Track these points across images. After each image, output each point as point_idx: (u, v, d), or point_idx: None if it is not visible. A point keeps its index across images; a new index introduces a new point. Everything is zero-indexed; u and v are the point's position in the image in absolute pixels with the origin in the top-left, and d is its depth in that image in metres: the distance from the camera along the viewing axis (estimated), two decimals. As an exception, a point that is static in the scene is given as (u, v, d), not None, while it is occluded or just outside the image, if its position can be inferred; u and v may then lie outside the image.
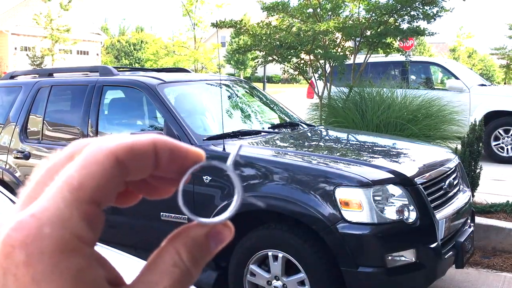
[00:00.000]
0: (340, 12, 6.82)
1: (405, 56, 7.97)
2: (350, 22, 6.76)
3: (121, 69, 5.52)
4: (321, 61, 6.89)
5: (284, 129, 4.54)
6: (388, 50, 6.99)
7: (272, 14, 6.82)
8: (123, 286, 0.30)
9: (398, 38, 7.02)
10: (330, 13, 6.79)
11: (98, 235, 0.28)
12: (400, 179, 3.18)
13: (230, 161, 0.33)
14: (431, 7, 6.41)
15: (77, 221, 0.27)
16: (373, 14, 6.52)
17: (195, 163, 0.32)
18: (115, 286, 0.29)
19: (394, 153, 4.01)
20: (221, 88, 4.74)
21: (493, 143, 8.49)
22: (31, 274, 0.25)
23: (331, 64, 6.80)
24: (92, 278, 0.27)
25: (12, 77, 5.34)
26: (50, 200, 0.27)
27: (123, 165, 0.28)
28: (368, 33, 6.72)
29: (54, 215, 0.26)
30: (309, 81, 7.68)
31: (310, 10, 6.81)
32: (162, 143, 0.30)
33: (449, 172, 3.67)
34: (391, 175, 3.18)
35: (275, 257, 3.22)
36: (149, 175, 0.31)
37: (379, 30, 6.60)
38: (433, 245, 3.16)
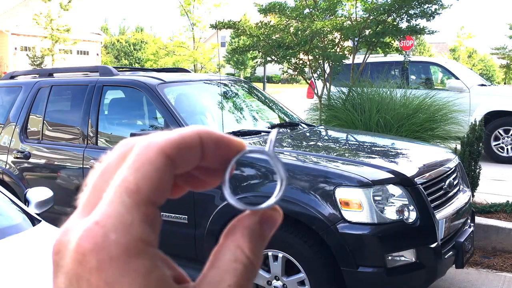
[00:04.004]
0: (336, 11, 6.81)
1: (404, 56, 7.97)
2: (349, 22, 6.76)
3: (121, 69, 5.52)
4: (320, 61, 6.89)
5: (284, 129, 4.54)
6: (387, 49, 6.99)
7: (272, 12, 6.83)
8: (188, 283, 0.31)
9: (397, 38, 7.02)
10: (327, 12, 6.78)
11: (158, 234, 0.29)
12: (400, 179, 3.18)
13: (268, 147, 0.34)
14: (430, 5, 6.41)
15: (138, 224, 0.28)
16: (371, 14, 6.52)
17: (238, 152, 0.33)
18: (179, 283, 0.30)
19: (394, 153, 4.01)
20: (221, 88, 4.75)
21: (493, 143, 8.49)
22: (103, 278, 0.27)
23: (330, 64, 6.80)
24: (159, 277, 0.28)
25: (12, 77, 5.34)
26: (111, 206, 0.28)
27: (172, 160, 0.29)
28: (367, 32, 6.72)
29: (117, 221, 0.27)
30: (309, 82, 7.68)
31: (307, 10, 6.81)
32: (207, 134, 0.31)
33: (449, 172, 3.67)
34: (391, 175, 3.18)
35: (275, 257, 3.23)
36: (194, 167, 0.32)
37: (377, 29, 6.60)
38: (433, 245, 3.16)
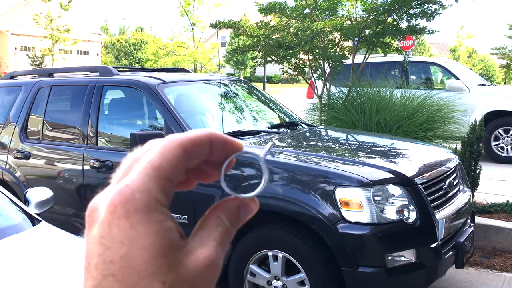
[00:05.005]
0: (336, 11, 6.81)
1: (404, 56, 7.97)
2: (349, 22, 6.76)
3: (121, 69, 5.52)
4: (320, 61, 6.89)
5: (283, 129, 4.54)
6: (387, 49, 6.98)
7: (271, 13, 6.82)
8: (186, 239, 0.39)
9: (397, 38, 7.02)
10: (327, 12, 6.78)
11: (170, 201, 0.39)
12: (400, 179, 3.18)
13: (263, 154, 0.44)
14: (430, 5, 6.41)
15: (157, 191, 0.37)
16: (371, 14, 6.52)
17: (238, 151, 0.43)
18: (181, 237, 0.39)
19: (394, 153, 4.01)
20: (221, 88, 4.75)
21: (493, 143, 8.48)
22: (130, 223, 0.36)
23: (330, 64, 6.79)
24: (170, 226, 0.38)
25: (12, 77, 5.34)
26: (139, 175, 0.37)
27: (187, 152, 0.39)
28: (367, 32, 6.72)
29: (142, 186, 0.37)
30: (309, 82, 7.68)
31: (307, 10, 6.81)
32: (215, 136, 0.41)
33: (449, 172, 3.67)
34: (391, 175, 3.18)
35: (275, 257, 3.22)
36: (203, 161, 0.41)
37: (377, 29, 6.60)
38: (433, 245, 3.16)
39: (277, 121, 4.90)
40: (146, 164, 0.38)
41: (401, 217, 3.08)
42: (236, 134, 3.99)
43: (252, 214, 0.43)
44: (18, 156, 4.57)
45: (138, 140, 3.39)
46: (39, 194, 3.06)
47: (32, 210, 2.88)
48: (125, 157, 0.41)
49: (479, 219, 4.73)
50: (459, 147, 5.44)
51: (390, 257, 3.03)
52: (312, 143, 4.26)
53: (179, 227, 0.39)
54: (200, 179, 0.44)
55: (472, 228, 3.77)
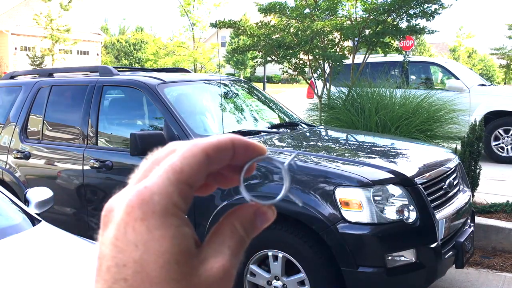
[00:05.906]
0: (336, 11, 6.82)
1: (404, 56, 7.97)
2: (349, 22, 6.76)
3: (121, 69, 5.51)
4: (320, 61, 6.89)
5: (284, 129, 4.54)
6: (387, 49, 6.98)
7: (271, 13, 6.83)
8: (200, 246, 0.39)
9: (397, 38, 7.02)
10: (327, 12, 6.79)
11: (188, 207, 0.38)
12: (400, 179, 3.18)
13: (287, 162, 0.43)
14: (429, 5, 6.41)
15: (176, 195, 0.36)
16: (371, 14, 6.52)
17: (260, 155, 0.42)
18: (196, 245, 0.38)
19: (394, 153, 4.01)
20: (221, 88, 4.75)
21: (493, 143, 8.48)
22: (146, 225, 0.35)
23: (330, 64, 6.80)
24: (186, 232, 0.37)
25: (12, 77, 5.34)
26: (159, 178, 0.36)
27: (210, 158, 0.38)
28: (367, 32, 6.72)
29: (161, 189, 0.36)
30: (309, 82, 7.68)
31: (307, 10, 6.81)
32: (238, 140, 0.40)
33: (449, 172, 3.67)
34: (391, 175, 3.18)
35: (275, 257, 3.23)
36: (225, 166, 0.41)
37: (377, 29, 6.60)
38: (433, 245, 3.16)
39: (277, 121, 4.90)
40: (167, 167, 0.37)
41: (401, 217, 3.08)
42: (236, 134, 3.98)
43: (268, 223, 0.42)
44: (18, 156, 4.57)
45: (138, 140, 3.38)
46: (39, 194, 3.06)
47: (32, 210, 2.88)
48: (145, 158, 0.40)
49: (479, 219, 4.73)
50: (459, 147, 5.44)
51: (390, 257, 3.03)
52: (312, 143, 4.26)
53: (195, 234, 0.38)
54: (220, 184, 0.43)
55: (472, 228, 3.77)
